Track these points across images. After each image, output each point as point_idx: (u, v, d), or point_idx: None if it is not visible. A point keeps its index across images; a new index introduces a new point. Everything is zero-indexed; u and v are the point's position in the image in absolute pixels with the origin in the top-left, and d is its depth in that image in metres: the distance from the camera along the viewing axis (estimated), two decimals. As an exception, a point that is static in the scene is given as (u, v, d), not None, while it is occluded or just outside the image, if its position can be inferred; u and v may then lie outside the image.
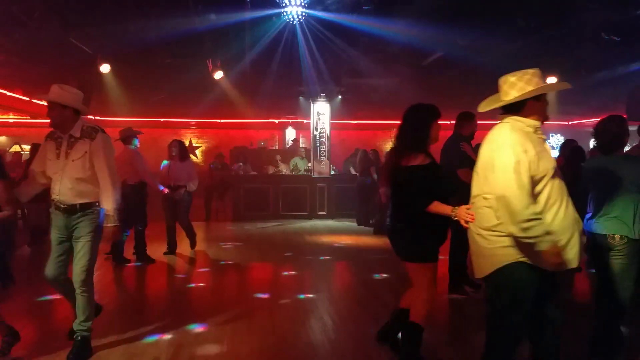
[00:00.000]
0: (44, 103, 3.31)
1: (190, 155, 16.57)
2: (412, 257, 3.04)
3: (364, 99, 12.69)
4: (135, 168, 6.20)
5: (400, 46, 8.97)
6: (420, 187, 2.90)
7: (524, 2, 7.21)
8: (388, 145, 14.19)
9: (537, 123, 2.50)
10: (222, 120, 16.25)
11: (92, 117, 15.17)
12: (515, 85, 2.48)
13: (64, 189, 3.28)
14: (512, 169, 2.34)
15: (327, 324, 4.10)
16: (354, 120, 15.98)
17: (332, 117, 11.94)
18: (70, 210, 3.28)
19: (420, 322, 3.05)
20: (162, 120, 15.86)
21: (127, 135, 6.36)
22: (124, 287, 5.63)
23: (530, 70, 2.49)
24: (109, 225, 3.32)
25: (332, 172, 11.62)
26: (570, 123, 17.88)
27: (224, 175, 11.31)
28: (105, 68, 9.41)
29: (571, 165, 5.18)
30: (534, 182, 2.40)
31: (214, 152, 13.37)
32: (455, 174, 4.39)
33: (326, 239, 8.50)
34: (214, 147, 16.65)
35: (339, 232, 9.29)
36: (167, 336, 3.78)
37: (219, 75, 10.28)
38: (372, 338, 3.67)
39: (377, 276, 5.84)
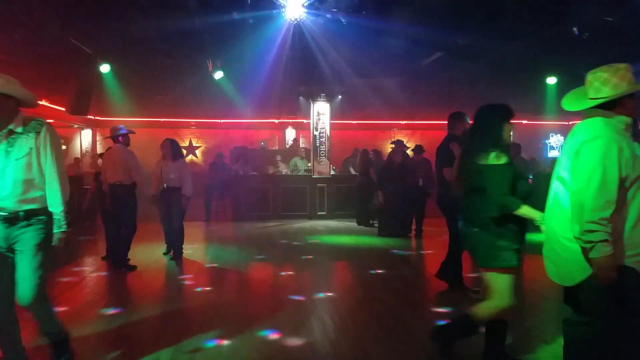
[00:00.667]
0: (44, 102, 3.14)
1: (191, 155, 16.88)
2: (489, 262, 2.86)
3: (364, 99, 12.69)
4: (129, 167, 6.04)
5: (399, 46, 8.97)
6: (508, 186, 2.76)
7: (523, 2, 7.21)
8: (387, 145, 14.19)
9: (629, 120, 2.35)
10: (222, 120, 16.26)
11: (92, 117, 15.20)
12: (609, 82, 2.33)
13: (5, 193, 2.77)
14: (600, 163, 2.17)
15: (327, 324, 4.10)
16: (354, 120, 15.97)
17: (332, 117, 11.96)
18: (12, 219, 2.75)
19: (479, 321, 2.98)
20: (162, 120, 15.88)
21: (118, 134, 6.23)
22: (123, 289, 5.61)
23: (622, 65, 2.36)
24: (57, 232, 2.85)
25: (332, 172, 11.62)
26: (570, 123, 17.83)
27: (224, 175, 11.32)
28: (105, 68, 9.42)
29: None
30: (627, 185, 2.21)
31: (214, 152, 13.38)
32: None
33: (326, 239, 8.50)
34: (214, 147, 16.65)
35: (339, 232, 9.29)
36: (167, 337, 3.78)
37: (219, 75, 10.29)
38: (372, 338, 3.66)
39: (376, 275, 5.84)
